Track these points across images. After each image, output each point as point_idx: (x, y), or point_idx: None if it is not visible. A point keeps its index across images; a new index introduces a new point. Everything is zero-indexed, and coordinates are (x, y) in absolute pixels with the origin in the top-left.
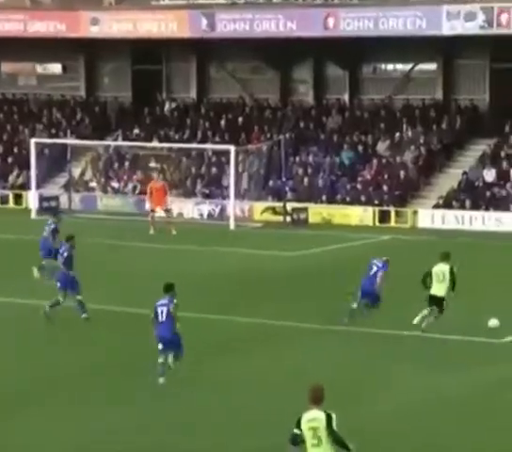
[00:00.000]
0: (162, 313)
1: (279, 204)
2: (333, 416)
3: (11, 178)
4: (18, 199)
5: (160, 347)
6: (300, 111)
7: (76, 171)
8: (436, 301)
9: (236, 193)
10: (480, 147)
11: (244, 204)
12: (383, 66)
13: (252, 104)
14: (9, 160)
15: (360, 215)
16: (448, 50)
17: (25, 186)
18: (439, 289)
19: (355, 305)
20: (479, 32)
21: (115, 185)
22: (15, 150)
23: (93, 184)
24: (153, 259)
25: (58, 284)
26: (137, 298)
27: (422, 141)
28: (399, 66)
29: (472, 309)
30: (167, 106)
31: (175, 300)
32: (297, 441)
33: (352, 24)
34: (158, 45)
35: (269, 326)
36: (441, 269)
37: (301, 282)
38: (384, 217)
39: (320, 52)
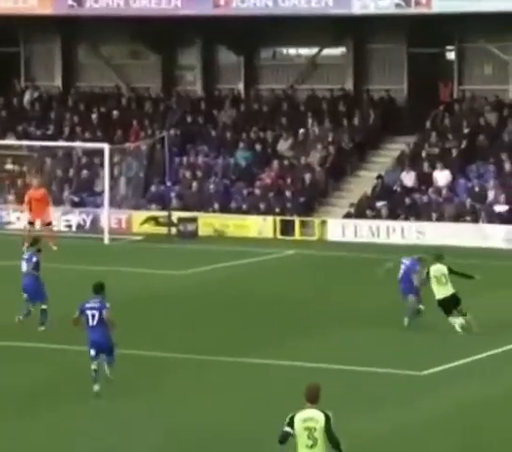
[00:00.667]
0: (93, 317)
1: (162, 214)
2: (331, 416)
3: None
4: None
5: (92, 352)
6: (187, 103)
7: None
8: (451, 301)
9: (111, 200)
10: (398, 146)
11: (120, 214)
12: (284, 51)
13: (130, 95)
14: None
15: (259, 225)
16: (359, 32)
17: None
18: (446, 290)
19: (422, 306)
20: (395, 11)
21: None
22: None
23: None
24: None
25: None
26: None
27: (330, 139)
28: (303, 51)
29: (392, 341)
30: (27, 96)
31: (108, 304)
32: (287, 439)
33: (247, 1)
34: (15, 23)
35: (168, 359)
36: (441, 271)
37: (190, 306)
38: (287, 228)
39: (210, 34)
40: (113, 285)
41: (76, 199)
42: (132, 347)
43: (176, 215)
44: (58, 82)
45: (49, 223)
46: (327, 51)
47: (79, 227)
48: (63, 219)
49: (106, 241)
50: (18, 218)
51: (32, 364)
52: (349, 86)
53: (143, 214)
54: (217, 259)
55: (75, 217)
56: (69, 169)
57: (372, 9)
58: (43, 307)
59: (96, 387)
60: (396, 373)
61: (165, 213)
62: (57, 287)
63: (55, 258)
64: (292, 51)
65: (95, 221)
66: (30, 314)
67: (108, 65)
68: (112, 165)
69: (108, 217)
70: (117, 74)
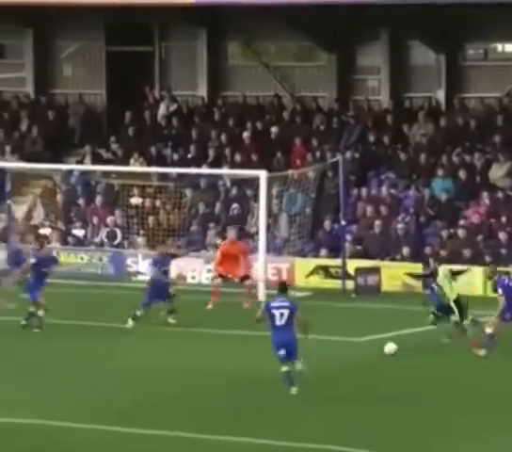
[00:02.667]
0: (282, 316)
1: (335, 262)
2: None
3: None
4: None
5: (282, 352)
6: (369, 117)
7: (20, 211)
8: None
9: (269, 244)
10: None
11: (280, 262)
12: (499, 47)
13: (294, 107)
14: None
15: (464, 279)
16: None
17: None
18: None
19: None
20: None
21: (79, 232)
22: None
23: (46, 230)
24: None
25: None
26: None
27: None
28: None
29: None
30: (161, 109)
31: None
32: None
33: None
34: (149, 16)
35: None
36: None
37: (364, 382)
38: None
39: (399, 25)
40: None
41: (220, 241)
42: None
43: (353, 264)
44: (202, 91)
45: (245, 277)
46: None
47: (227, 278)
48: (206, 269)
49: (261, 297)
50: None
51: None
52: None
53: (310, 262)
54: (404, 323)
55: None
56: (214, 204)
57: None
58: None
59: (294, 390)
60: None
61: (338, 261)
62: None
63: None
64: (509, 48)
65: None
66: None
67: (266, 68)
68: (270, 198)
69: (264, 266)
70: (277, 80)
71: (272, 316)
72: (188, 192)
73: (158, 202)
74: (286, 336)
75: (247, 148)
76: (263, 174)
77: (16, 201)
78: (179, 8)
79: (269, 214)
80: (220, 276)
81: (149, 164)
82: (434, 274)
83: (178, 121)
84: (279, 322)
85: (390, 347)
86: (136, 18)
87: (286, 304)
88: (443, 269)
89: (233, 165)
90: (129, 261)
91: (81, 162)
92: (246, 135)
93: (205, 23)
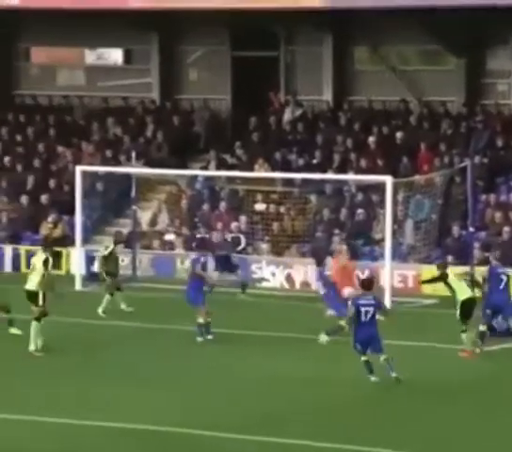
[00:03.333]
0: (367, 313)
1: (463, 269)
2: None
3: (45, 227)
4: (55, 259)
5: (359, 347)
6: (498, 121)
7: (145, 217)
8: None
9: (394, 251)
10: None
11: (407, 269)
12: None
13: (422, 111)
14: (43, 199)
15: None
16: None
17: (67, 241)
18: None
19: (483, 328)
20: None
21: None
22: (51, 183)
23: (171, 236)
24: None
25: None
26: None
27: None
28: None
29: None
30: (287, 115)
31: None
32: None
33: None
34: (272, 21)
35: None
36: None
37: (484, 400)
38: None
39: None
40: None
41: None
42: None
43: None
44: (328, 96)
45: None
46: None
47: None
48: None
49: (388, 304)
50: (273, 275)
51: None
52: None
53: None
54: None
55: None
56: (339, 210)
57: None
58: None
59: (373, 378)
60: None
61: (466, 268)
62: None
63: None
64: None
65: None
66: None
67: (393, 73)
68: (395, 203)
69: (390, 273)
70: (404, 85)
71: (358, 313)
72: (313, 198)
73: (283, 208)
74: (370, 331)
75: (372, 153)
76: (388, 180)
77: (141, 206)
78: (304, 12)
79: (395, 220)
80: None
81: (273, 169)
82: None
83: (303, 126)
84: (364, 318)
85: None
86: (261, 23)
87: (372, 302)
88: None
89: (359, 170)
90: (253, 267)
91: (206, 168)
92: (371, 140)
93: (331, 27)
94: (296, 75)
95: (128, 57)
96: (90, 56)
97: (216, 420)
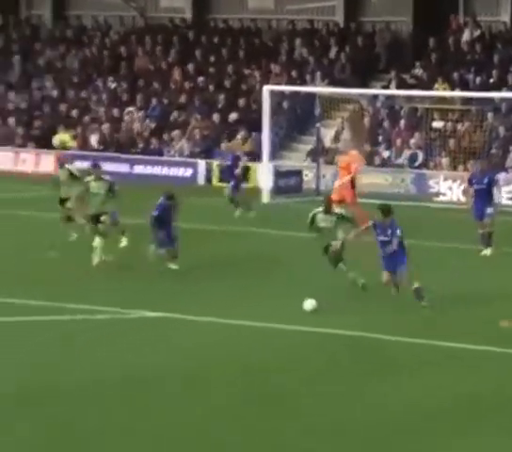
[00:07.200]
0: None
1: None
2: None
3: (236, 144)
4: (243, 174)
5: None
6: None
7: (328, 134)
8: None
9: None
10: None
11: None
12: None
13: None
14: (232, 117)
15: None
16: None
17: (255, 156)
18: None
19: None
20: None
21: (384, 153)
22: (240, 102)
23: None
24: None
25: None
26: None
27: None
28: None
29: None
30: (465, 35)
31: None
32: None
33: None
34: None
35: None
36: None
37: None
38: None
39: None
40: None
41: None
42: None
43: None
44: (505, 16)
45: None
46: None
47: None
48: (505, 191)
49: None
50: (450, 189)
51: None
52: None
53: None
54: None
55: None
56: None
57: None
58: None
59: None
60: None
61: None
62: None
63: None
64: None
65: None
66: None
67: None
68: None
69: None
70: None
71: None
72: (489, 116)
73: (460, 126)
74: (394, 260)
75: None
76: None
77: (325, 124)
78: None
79: None
80: None
81: (452, 89)
82: None
83: (481, 46)
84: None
85: (308, 305)
86: None
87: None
88: None
89: None
90: (431, 182)
91: (387, 87)
92: None
93: None
94: None
95: None
96: None
97: None
